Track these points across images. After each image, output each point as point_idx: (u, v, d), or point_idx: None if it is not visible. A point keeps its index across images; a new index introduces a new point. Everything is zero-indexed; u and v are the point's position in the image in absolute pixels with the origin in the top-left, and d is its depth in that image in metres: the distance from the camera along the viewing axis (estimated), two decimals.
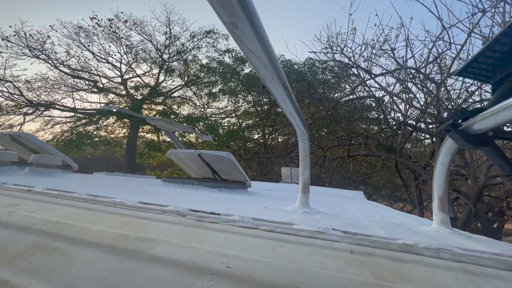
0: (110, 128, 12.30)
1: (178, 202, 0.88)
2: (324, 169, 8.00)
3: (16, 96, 11.54)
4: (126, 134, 12.19)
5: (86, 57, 12.91)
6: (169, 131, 2.39)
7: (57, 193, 0.75)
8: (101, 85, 13.45)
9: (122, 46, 13.07)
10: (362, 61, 6.17)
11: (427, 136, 6.07)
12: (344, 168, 9.18)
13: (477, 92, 5.58)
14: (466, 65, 0.75)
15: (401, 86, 6.31)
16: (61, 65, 12.43)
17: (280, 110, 12.69)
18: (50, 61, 12.15)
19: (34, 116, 12.37)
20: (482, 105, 5.43)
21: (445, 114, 5.49)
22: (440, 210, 0.72)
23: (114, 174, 2.49)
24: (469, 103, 5.87)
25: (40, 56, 11.92)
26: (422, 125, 5.93)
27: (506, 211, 5.29)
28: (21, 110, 11.83)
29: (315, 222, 0.65)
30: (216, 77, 13.36)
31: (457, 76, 5.65)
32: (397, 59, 6.04)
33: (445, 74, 5.43)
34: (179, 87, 14.20)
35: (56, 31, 11.97)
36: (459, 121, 0.69)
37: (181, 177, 1.61)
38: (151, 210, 0.63)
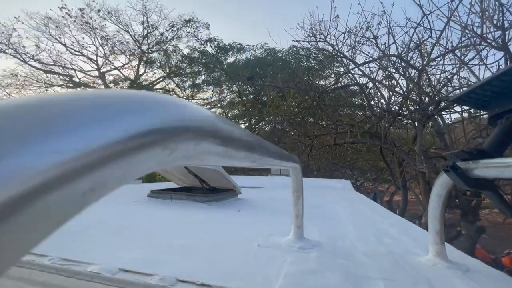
0: None
1: (161, 237, 0.84)
2: (311, 157, 8.12)
3: None
4: None
5: (58, 50, 12.18)
6: None
7: (25, 260, 0.63)
8: (77, 80, 12.80)
9: (97, 38, 12.39)
10: (346, 50, 6.16)
11: (410, 121, 6.23)
12: (331, 154, 9.34)
13: (455, 77, 5.73)
14: (462, 94, 0.74)
15: (384, 73, 6.39)
16: (31, 60, 11.67)
17: (265, 99, 12.63)
18: (18, 56, 11.37)
19: None
20: (460, 90, 5.60)
21: (426, 100, 5.63)
22: (437, 242, 0.72)
23: None
24: (449, 88, 6.03)
25: (6, 51, 11.12)
26: (405, 111, 6.07)
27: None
28: None
29: (310, 266, 0.63)
30: (199, 67, 13.01)
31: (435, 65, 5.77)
32: (380, 45, 6.08)
33: (426, 61, 5.52)
34: (160, 79, 13.75)
35: (23, 23, 11.14)
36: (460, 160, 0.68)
37: (168, 190, 1.56)
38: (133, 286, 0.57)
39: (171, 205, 1.28)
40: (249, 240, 0.78)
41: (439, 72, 5.88)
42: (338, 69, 8.69)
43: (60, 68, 12.42)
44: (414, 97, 6.07)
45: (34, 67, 11.86)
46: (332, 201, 1.99)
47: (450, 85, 5.79)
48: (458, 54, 5.15)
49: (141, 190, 2.03)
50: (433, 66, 5.62)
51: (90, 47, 12.65)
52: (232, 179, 1.58)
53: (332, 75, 9.97)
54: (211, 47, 12.52)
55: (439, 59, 5.29)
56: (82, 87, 12.77)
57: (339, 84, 6.76)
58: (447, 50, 5.02)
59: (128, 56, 12.94)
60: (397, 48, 5.76)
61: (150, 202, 1.37)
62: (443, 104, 5.13)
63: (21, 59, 11.45)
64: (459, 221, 7.96)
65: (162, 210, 1.19)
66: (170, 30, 12.66)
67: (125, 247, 0.76)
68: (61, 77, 12.61)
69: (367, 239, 0.88)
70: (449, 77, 5.50)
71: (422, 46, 5.44)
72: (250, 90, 12.71)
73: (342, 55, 5.95)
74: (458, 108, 5.61)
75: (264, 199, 1.78)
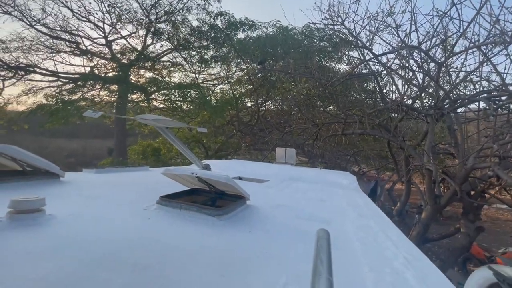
0: (97, 98, 11.72)
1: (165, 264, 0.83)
2: (317, 145, 8.06)
3: None
4: (114, 104, 11.71)
5: (65, 15, 11.74)
6: (162, 129, 2.27)
7: None
8: (84, 47, 12.49)
9: (104, 4, 11.87)
10: (364, 36, 5.83)
11: (422, 117, 6.05)
12: (336, 142, 9.24)
13: (475, 73, 5.44)
14: None
15: (401, 63, 6.09)
16: (38, 24, 11.31)
17: (274, 79, 12.28)
18: (24, 19, 11.02)
19: (15, 80, 11.61)
20: (480, 88, 5.33)
21: (442, 95, 5.41)
22: None
23: (105, 171, 2.40)
24: (467, 84, 5.77)
25: (12, 13, 10.77)
26: (419, 106, 5.88)
27: (488, 191, 5.57)
28: None
29: None
30: (208, 41, 12.54)
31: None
32: (400, 32, 5.72)
33: (448, 53, 5.23)
34: (168, 52, 13.35)
35: None
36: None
37: (178, 196, 1.56)
38: None
39: (178, 219, 1.28)
40: None
41: (459, 67, 5.58)
42: (352, 54, 8.32)
43: (67, 34, 12.07)
44: (430, 91, 5.83)
45: (40, 31, 11.53)
46: (340, 212, 1.98)
47: (470, 81, 5.53)
48: (483, 49, 4.84)
49: (153, 186, 2.03)
50: (454, 61, 5.32)
51: (96, 13, 12.19)
52: (242, 188, 1.56)
53: (345, 59, 9.58)
54: (222, 21, 11.96)
55: (462, 53, 4.98)
56: (89, 55, 12.50)
57: (353, 73, 6.49)
58: (473, 44, 4.71)
59: (135, 25, 12.48)
60: (418, 37, 5.42)
61: (160, 210, 1.37)
62: (460, 102, 4.93)
63: (27, 22, 11.11)
64: (458, 217, 8.03)
65: (168, 223, 1.20)
66: (179, 1, 12.04)
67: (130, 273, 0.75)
68: (67, 43, 12.30)
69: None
70: (469, 73, 5.22)
71: (446, 37, 5.11)
72: (258, 69, 12.33)
73: (359, 42, 5.65)
74: (474, 106, 5.40)
75: (273, 208, 1.77)
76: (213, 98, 12.75)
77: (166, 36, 12.72)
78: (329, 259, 0.53)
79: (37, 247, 0.87)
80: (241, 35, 12.27)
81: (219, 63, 13.18)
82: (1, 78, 11.24)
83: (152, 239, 1.03)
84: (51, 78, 12.23)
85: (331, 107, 9.72)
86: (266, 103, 13.44)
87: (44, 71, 11.83)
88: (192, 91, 12.02)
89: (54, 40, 12.00)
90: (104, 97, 12.06)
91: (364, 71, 7.59)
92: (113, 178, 2.20)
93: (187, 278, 0.78)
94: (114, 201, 1.53)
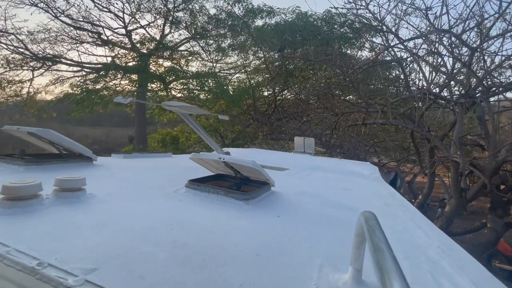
0: (119, 87, 12.07)
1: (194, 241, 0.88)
2: (336, 135, 7.89)
3: (21, 50, 11.20)
4: (135, 93, 12.02)
5: (87, 6, 12.04)
6: (186, 115, 2.30)
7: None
8: (105, 38, 12.80)
9: None
10: (389, 20, 5.53)
11: (450, 106, 5.74)
12: (356, 131, 9.01)
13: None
14: None
15: (429, 48, 5.74)
16: (62, 15, 11.70)
17: (292, 67, 12.04)
18: (50, 11, 11.42)
19: (43, 70, 12.18)
20: None
21: (474, 83, 5.08)
22: None
23: (132, 156, 2.50)
24: (503, 71, 5.39)
25: (38, 5, 11.18)
26: (447, 94, 5.57)
27: None
28: (28, 64, 11.60)
29: None
30: (225, 30, 12.43)
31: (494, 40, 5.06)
32: (430, 16, 5.36)
33: (484, 37, 4.86)
34: (185, 41, 13.41)
35: None
36: None
37: (206, 180, 1.59)
38: None
39: (207, 201, 1.31)
40: (303, 277, 0.76)
41: (495, 52, 5.18)
42: (375, 40, 7.94)
43: (89, 25, 12.41)
44: (461, 78, 5.50)
45: (65, 22, 11.94)
46: (365, 200, 1.94)
47: (506, 67, 5.14)
48: None
49: (179, 171, 2.08)
50: (490, 45, 4.95)
51: (117, 3, 12.39)
52: (267, 174, 1.57)
53: (368, 46, 9.18)
54: (239, 8, 11.78)
55: (499, 37, 4.61)
56: (110, 45, 12.81)
57: (377, 59, 6.21)
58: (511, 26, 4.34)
59: (154, 15, 12.58)
60: (449, 20, 5.05)
61: (188, 193, 1.41)
62: (494, 90, 4.62)
63: (52, 14, 11.51)
64: (484, 211, 7.68)
65: (197, 204, 1.23)
66: None
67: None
68: (90, 34, 12.66)
69: (425, 284, 0.84)
70: (506, 58, 4.83)
71: (481, 20, 4.74)
72: (276, 57, 12.12)
73: (384, 27, 5.37)
74: (510, 95, 5.05)
75: (297, 194, 1.76)
76: (230, 87, 12.75)
77: (184, 24, 12.75)
78: (385, 237, 0.53)
79: (85, 221, 0.93)
80: (259, 22, 12.04)
81: (236, 52, 13.07)
82: (31, 68, 11.83)
83: (185, 219, 1.06)
84: (75, 68, 12.72)
85: (351, 96, 9.44)
86: (284, 92, 13.27)
87: (69, 61, 12.30)
88: (209, 80, 12.07)
89: (77, 31, 12.39)
90: (126, 86, 12.39)
91: (388, 58, 7.24)
92: (140, 163, 2.28)
93: (225, 256, 0.80)
94: (145, 184, 1.59)
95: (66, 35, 12.22)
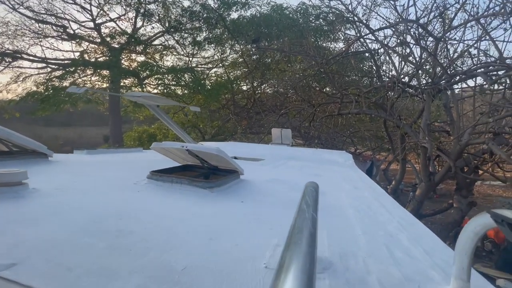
0: (89, 84, 11.45)
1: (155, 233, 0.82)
2: (313, 125, 8.02)
3: None
4: (107, 90, 11.46)
5: None
6: (153, 107, 2.21)
7: None
8: (72, 31, 12.03)
9: None
10: (361, 12, 5.65)
11: (419, 94, 6.00)
12: (333, 122, 9.21)
13: (473, 48, 5.34)
14: None
15: (398, 40, 5.94)
16: (21, 7, 10.82)
17: (269, 61, 12.04)
18: (6, 2, 10.51)
19: (2, 68, 11.25)
20: (478, 63, 5.25)
21: (439, 72, 5.34)
22: (462, 279, 0.64)
23: (97, 152, 2.36)
24: (465, 60, 5.69)
25: None
26: (415, 83, 5.81)
27: (481, 167, 5.64)
28: None
29: None
30: (200, 22, 12.13)
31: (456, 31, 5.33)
32: (398, 7, 5.54)
33: (446, 28, 5.10)
34: (159, 34, 12.93)
35: None
36: None
37: (169, 171, 1.53)
38: None
39: (170, 192, 1.25)
40: (255, 257, 0.73)
41: (457, 42, 5.46)
42: (348, 32, 8.11)
43: (53, 17, 11.58)
44: (427, 68, 5.75)
45: (24, 15, 11.05)
46: (335, 184, 1.97)
47: (467, 56, 5.43)
48: (483, 22, 4.72)
49: (145, 164, 1.99)
50: (453, 35, 5.20)
51: None
52: (235, 162, 1.54)
53: (342, 38, 9.35)
54: (214, 0, 11.52)
55: (461, 27, 4.86)
56: (78, 39, 12.06)
57: (349, 51, 6.34)
58: (472, 17, 4.58)
59: (124, 7, 11.98)
60: (415, 11, 5.26)
61: (151, 183, 1.35)
62: (457, 77, 4.87)
63: (9, 5, 10.61)
64: (452, 193, 8.18)
65: (159, 195, 1.17)
66: None
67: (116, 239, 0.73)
68: (54, 27, 11.83)
69: (379, 256, 0.85)
70: (468, 48, 5.12)
71: (445, 12, 4.96)
72: (253, 51, 12.04)
73: (356, 18, 5.47)
74: (471, 82, 5.35)
75: (268, 181, 1.75)
76: (207, 82, 12.53)
77: (157, 17, 12.26)
78: (315, 202, 0.52)
79: (18, 216, 0.85)
80: (234, 15, 11.86)
81: (212, 45, 12.82)
82: None
83: (140, 209, 1.01)
84: (39, 65, 11.86)
85: (327, 88, 9.60)
86: (262, 86, 13.25)
87: (31, 57, 11.45)
88: (186, 75, 11.76)
89: (39, 24, 11.53)
90: (96, 82, 11.78)
91: (361, 50, 7.42)
92: (104, 158, 2.16)
93: (175, 241, 0.76)
94: (103, 178, 1.50)
95: (27, 29, 11.34)
